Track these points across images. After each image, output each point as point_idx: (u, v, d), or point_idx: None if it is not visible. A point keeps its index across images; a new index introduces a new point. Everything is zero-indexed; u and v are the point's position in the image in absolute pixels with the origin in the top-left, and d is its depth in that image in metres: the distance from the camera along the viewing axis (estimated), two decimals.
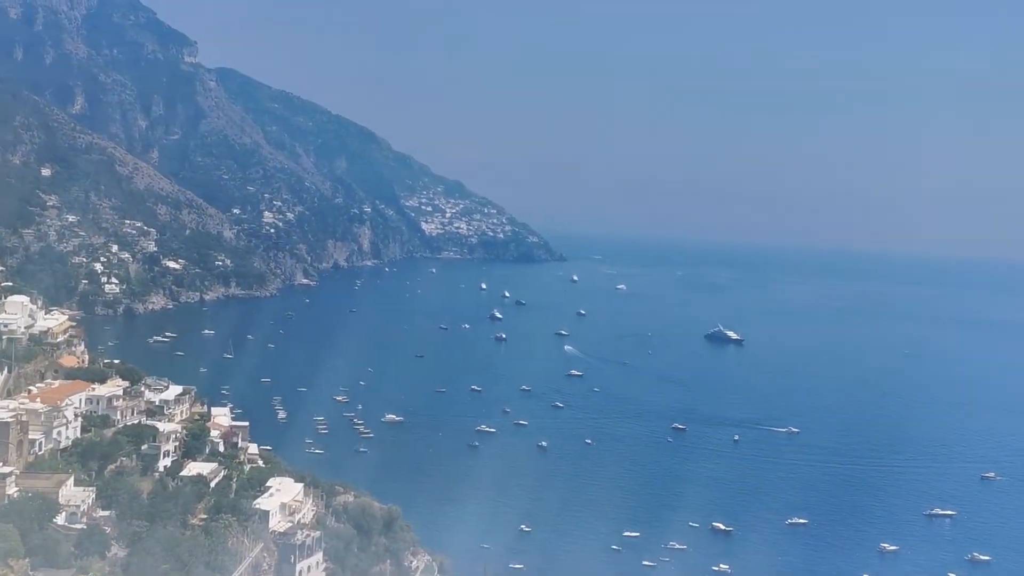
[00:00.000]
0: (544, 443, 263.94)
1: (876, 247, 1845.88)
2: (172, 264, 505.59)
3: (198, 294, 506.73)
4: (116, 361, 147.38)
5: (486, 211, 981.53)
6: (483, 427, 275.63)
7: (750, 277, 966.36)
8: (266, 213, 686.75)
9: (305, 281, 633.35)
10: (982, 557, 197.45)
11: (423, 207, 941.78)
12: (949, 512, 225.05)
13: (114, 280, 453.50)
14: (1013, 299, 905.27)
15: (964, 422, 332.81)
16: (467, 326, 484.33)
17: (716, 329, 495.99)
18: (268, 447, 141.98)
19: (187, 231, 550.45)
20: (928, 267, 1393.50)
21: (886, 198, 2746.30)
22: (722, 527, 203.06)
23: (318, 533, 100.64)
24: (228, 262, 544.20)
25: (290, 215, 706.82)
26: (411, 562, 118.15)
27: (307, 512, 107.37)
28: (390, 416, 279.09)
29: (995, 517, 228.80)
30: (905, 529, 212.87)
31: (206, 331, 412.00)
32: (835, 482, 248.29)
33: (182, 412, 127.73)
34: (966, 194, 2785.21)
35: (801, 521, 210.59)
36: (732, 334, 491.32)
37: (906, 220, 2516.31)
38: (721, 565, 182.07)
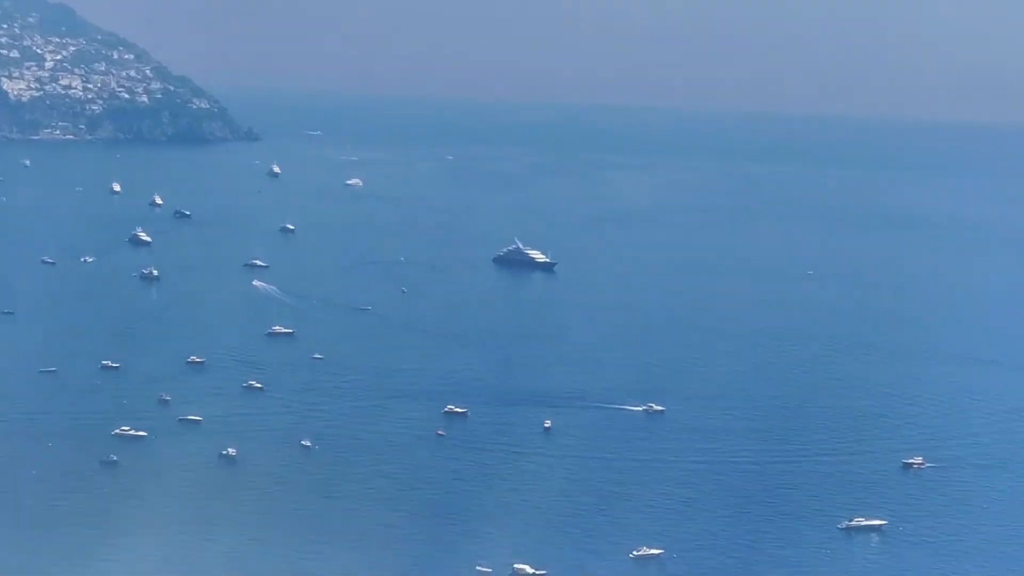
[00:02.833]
0: (231, 450, 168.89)
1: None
2: None
3: None
4: None
5: (116, 57, 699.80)
6: (124, 429, 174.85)
7: (561, 161, 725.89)
8: None
9: None
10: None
11: (2, 52, 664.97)
12: None
13: None
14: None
15: None
16: (89, 258, 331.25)
17: (513, 248, 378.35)
18: None
19: None
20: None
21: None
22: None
23: None
24: None
25: None
26: None
27: None
28: None
29: None
30: None
31: None
32: None
33: None
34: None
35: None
36: (537, 255, 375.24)
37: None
38: None
